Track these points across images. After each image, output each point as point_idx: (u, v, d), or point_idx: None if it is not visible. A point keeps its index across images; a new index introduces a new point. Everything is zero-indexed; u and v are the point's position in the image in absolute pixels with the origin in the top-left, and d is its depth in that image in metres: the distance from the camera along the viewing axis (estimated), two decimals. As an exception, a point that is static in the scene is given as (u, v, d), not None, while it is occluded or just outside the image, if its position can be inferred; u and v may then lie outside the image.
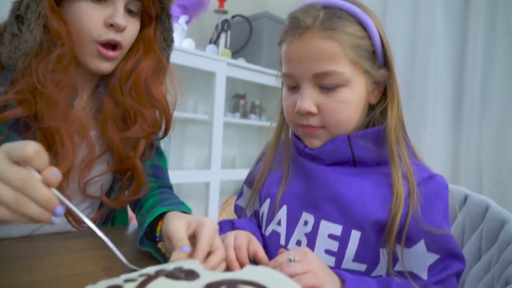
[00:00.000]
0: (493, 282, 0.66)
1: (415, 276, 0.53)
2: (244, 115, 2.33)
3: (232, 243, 0.55)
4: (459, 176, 1.55)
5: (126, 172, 0.68)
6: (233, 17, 2.20)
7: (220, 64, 1.95)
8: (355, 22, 0.57)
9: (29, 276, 0.47)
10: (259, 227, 0.66)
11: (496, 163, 1.42)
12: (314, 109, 0.56)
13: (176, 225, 0.49)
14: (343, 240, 0.54)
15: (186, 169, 2.10)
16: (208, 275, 0.32)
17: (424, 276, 0.52)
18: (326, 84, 0.56)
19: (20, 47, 0.55)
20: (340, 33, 0.55)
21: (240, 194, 0.77)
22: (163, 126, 0.71)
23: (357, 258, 0.54)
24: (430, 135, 1.60)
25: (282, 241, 0.60)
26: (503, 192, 1.38)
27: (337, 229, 0.55)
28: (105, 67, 0.63)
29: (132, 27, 0.63)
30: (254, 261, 0.57)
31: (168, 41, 0.72)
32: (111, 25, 0.60)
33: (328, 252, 0.55)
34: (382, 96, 0.61)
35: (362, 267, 0.55)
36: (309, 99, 0.56)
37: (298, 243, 0.59)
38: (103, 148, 0.67)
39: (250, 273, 0.33)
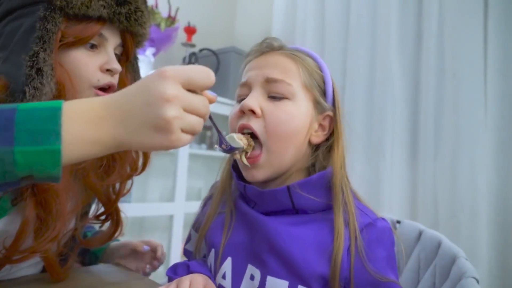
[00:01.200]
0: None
1: None
2: (211, 146, 2.34)
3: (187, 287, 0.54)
4: (417, 208, 1.62)
5: (107, 215, 0.71)
6: (200, 50, 2.25)
7: (186, 96, 1.97)
8: (313, 60, 0.64)
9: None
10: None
11: (450, 195, 1.50)
12: (258, 110, 0.58)
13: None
14: None
15: (149, 202, 2.06)
16: None
17: None
18: (274, 92, 0.59)
19: (41, 100, 0.55)
20: (299, 59, 0.61)
21: (188, 239, 0.76)
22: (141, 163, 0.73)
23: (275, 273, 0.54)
24: (389, 167, 1.68)
25: None
26: (457, 224, 1.46)
27: (283, 285, 0.53)
28: None
29: (120, 69, 0.67)
30: None
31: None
32: (107, 70, 0.64)
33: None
34: (325, 141, 0.63)
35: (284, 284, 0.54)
36: (255, 99, 0.59)
37: None
38: (85, 198, 0.69)
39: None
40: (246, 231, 0.61)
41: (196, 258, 0.70)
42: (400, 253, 0.79)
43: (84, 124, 0.38)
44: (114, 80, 0.66)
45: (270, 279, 0.55)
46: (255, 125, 0.58)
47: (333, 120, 0.63)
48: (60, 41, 0.59)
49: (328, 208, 0.58)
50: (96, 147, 0.39)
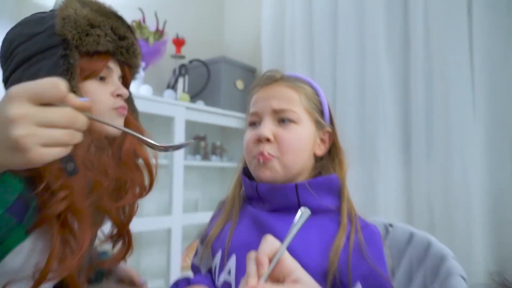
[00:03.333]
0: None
1: None
2: (205, 157, 2.37)
3: None
4: (413, 211, 1.67)
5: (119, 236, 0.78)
6: (190, 61, 2.29)
7: (178, 109, 2.01)
8: (310, 86, 0.76)
9: None
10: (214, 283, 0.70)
11: (443, 197, 1.55)
12: (271, 136, 0.69)
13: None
14: None
15: (146, 216, 2.08)
16: None
17: None
18: (283, 118, 0.70)
19: None
20: (299, 88, 0.73)
21: (196, 253, 0.81)
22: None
23: None
24: (383, 171, 1.72)
25: None
26: (452, 225, 1.50)
27: None
28: (122, 123, 0.75)
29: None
30: None
31: (135, 111, 0.86)
32: (118, 95, 0.73)
33: None
34: (328, 153, 0.74)
35: None
36: (268, 128, 0.69)
37: None
38: (98, 221, 0.75)
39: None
40: (252, 230, 0.69)
41: (200, 271, 0.76)
42: (391, 256, 0.84)
43: None
44: (125, 104, 0.76)
45: None
46: (271, 150, 0.69)
47: (332, 134, 0.75)
48: (80, 74, 0.68)
49: (329, 211, 0.68)
50: None
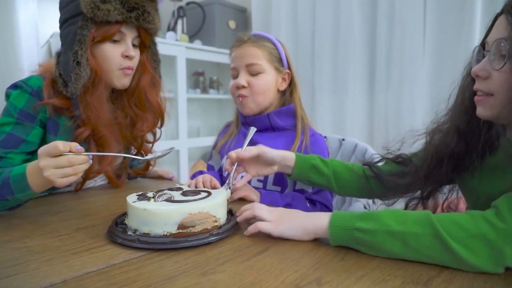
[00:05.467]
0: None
1: (304, 191, 1.02)
2: (204, 90, 2.74)
3: (201, 179, 0.98)
4: (373, 131, 2.10)
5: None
6: (187, 4, 2.55)
7: (179, 49, 2.33)
8: (270, 43, 1.08)
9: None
10: (221, 176, 1.13)
11: (396, 121, 1.97)
12: (246, 84, 1.05)
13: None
14: None
15: (158, 141, 2.50)
16: (187, 188, 0.77)
17: (309, 190, 1.01)
18: (253, 71, 1.05)
19: (81, 82, 0.93)
20: (262, 46, 1.07)
21: (210, 157, 1.22)
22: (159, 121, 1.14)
23: (274, 182, 1.04)
24: (351, 99, 2.13)
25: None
26: (404, 148, 1.93)
27: None
28: (127, 81, 1.02)
29: (136, 55, 1.02)
30: None
31: (156, 61, 1.11)
32: (126, 56, 0.98)
33: (259, 180, 1.05)
34: (288, 87, 1.11)
35: (278, 188, 1.04)
36: (243, 78, 1.05)
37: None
38: (120, 147, 1.08)
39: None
40: (243, 141, 1.00)
41: (214, 169, 1.18)
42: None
43: (33, 176, 0.75)
44: (133, 63, 1.00)
45: None
46: (246, 92, 1.06)
47: (289, 74, 1.10)
48: (93, 40, 0.93)
49: (291, 128, 1.07)
50: (42, 183, 0.75)
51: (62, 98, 0.95)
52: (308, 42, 2.32)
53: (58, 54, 0.98)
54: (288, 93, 1.11)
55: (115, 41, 0.97)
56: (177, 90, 2.37)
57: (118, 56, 0.97)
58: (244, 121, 1.13)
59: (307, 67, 2.30)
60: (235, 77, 1.08)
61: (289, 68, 1.10)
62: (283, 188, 1.04)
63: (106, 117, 0.99)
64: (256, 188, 1.00)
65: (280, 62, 1.09)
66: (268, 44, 1.07)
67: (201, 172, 1.12)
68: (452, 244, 0.52)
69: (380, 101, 2.05)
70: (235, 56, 1.08)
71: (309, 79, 2.28)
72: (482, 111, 0.64)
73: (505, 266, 0.52)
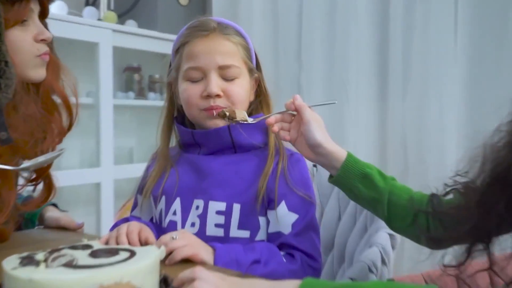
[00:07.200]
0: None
1: (281, 234, 0.98)
2: (141, 94, 2.65)
3: (124, 230, 0.90)
4: (387, 154, 2.07)
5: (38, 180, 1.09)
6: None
7: (103, 32, 2.24)
8: (239, 35, 1.08)
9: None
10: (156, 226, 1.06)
11: (418, 138, 1.95)
12: (221, 92, 1.01)
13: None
14: (227, 214, 0.98)
15: (67, 169, 2.36)
16: (99, 246, 0.69)
17: (287, 231, 0.97)
18: (228, 75, 1.03)
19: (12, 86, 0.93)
20: (234, 39, 1.05)
21: (134, 206, 1.15)
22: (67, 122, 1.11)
23: (241, 226, 0.98)
24: (354, 109, 2.12)
25: (179, 227, 1.01)
26: (426, 168, 1.91)
27: (222, 206, 0.98)
28: (44, 71, 1.03)
29: (51, 35, 1.04)
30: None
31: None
32: (42, 40, 1.00)
33: (217, 225, 0.99)
34: (256, 96, 1.11)
35: (246, 233, 0.99)
36: (216, 85, 1.01)
37: (193, 225, 1.01)
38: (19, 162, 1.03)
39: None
40: (193, 175, 1.05)
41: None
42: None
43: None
44: (48, 48, 1.03)
45: (211, 203, 1.00)
46: (222, 103, 1.02)
47: (259, 80, 1.10)
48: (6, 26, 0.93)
49: (260, 147, 1.06)
50: None
51: None
52: (292, 27, 2.29)
53: None
54: (256, 103, 1.13)
55: (22, 22, 0.98)
56: (98, 93, 2.27)
57: (31, 42, 0.99)
58: (191, 141, 1.09)
59: (291, 62, 2.28)
60: (196, 80, 1.05)
61: (258, 68, 1.12)
62: (252, 234, 1.00)
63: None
64: (212, 238, 0.95)
65: (250, 60, 1.10)
66: (239, 38, 1.08)
67: (126, 220, 1.04)
68: None
69: (396, 110, 2.04)
70: (198, 50, 1.04)
71: (294, 79, 2.24)
72: None
73: None
